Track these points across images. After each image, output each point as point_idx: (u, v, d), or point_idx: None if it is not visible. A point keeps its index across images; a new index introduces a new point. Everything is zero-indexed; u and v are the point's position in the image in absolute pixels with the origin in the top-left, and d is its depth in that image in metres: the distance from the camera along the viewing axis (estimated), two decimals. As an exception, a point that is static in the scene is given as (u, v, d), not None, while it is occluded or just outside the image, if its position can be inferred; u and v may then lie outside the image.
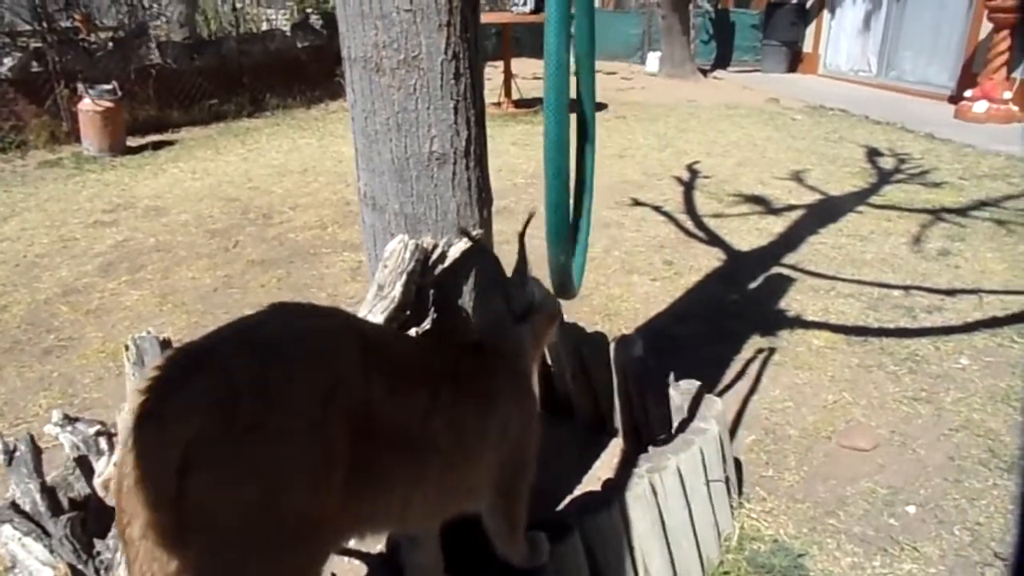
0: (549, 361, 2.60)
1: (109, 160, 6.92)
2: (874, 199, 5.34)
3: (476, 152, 1.59)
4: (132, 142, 7.44)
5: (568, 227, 1.49)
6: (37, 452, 1.32)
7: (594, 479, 2.32)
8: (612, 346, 2.42)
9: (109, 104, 7.11)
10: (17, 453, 1.29)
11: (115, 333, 3.46)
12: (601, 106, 9.24)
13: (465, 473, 1.28)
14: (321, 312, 1.12)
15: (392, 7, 1.43)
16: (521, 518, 1.47)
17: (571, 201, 1.63)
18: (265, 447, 0.89)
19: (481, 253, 1.45)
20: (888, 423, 2.68)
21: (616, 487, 1.78)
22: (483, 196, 1.65)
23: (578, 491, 2.25)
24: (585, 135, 1.81)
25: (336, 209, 5.22)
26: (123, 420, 0.86)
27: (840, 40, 11.78)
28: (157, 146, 7.49)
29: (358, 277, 3.99)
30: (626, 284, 3.89)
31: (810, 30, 12.29)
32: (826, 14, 12.00)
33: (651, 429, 2.28)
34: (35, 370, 3.16)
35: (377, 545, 1.96)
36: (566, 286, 1.66)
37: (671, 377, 2.24)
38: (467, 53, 1.51)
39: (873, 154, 6.70)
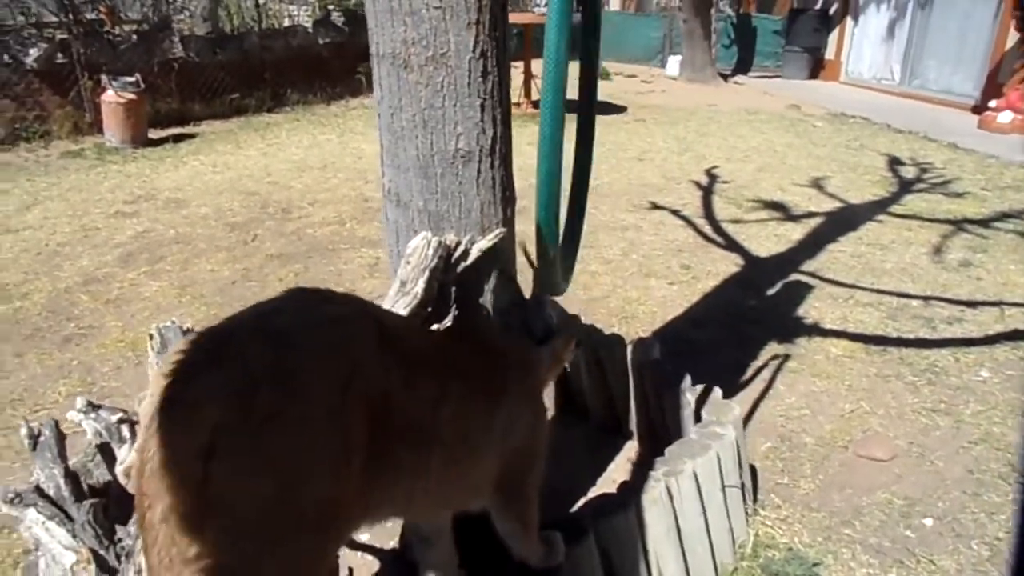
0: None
1: (131, 152, 6.98)
2: (895, 208, 5.30)
3: (501, 151, 1.59)
4: (153, 134, 7.51)
5: (556, 225, 1.49)
6: (61, 438, 1.33)
7: (608, 481, 2.31)
8: (629, 349, 2.41)
9: (132, 96, 7.17)
10: (42, 438, 1.31)
11: (134, 323, 3.48)
12: (620, 109, 9.23)
13: (468, 468, 1.28)
14: (339, 299, 1.12)
15: (422, 4, 1.43)
16: (533, 519, 1.47)
17: (566, 200, 1.63)
18: (283, 437, 0.89)
19: (503, 280, 1.46)
20: (906, 434, 2.65)
21: (632, 490, 1.77)
22: (507, 195, 1.65)
23: (592, 493, 2.24)
24: (586, 135, 1.81)
25: (355, 205, 5.24)
26: (146, 405, 0.86)
27: (863, 47, 11.70)
28: (178, 139, 7.55)
29: (376, 273, 4.01)
30: (643, 287, 3.87)
31: (833, 37, 12.22)
32: (849, 21, 11.92)
33: (667, 432, 2.27)
34: (55, 358, 3.19)
35: (390, 541, 1.96)
36: (553, 282, 1.66)
37: (688, 381, 2.24)
38: (495, 51, 1.51)
39: (894, 163, 6.65)
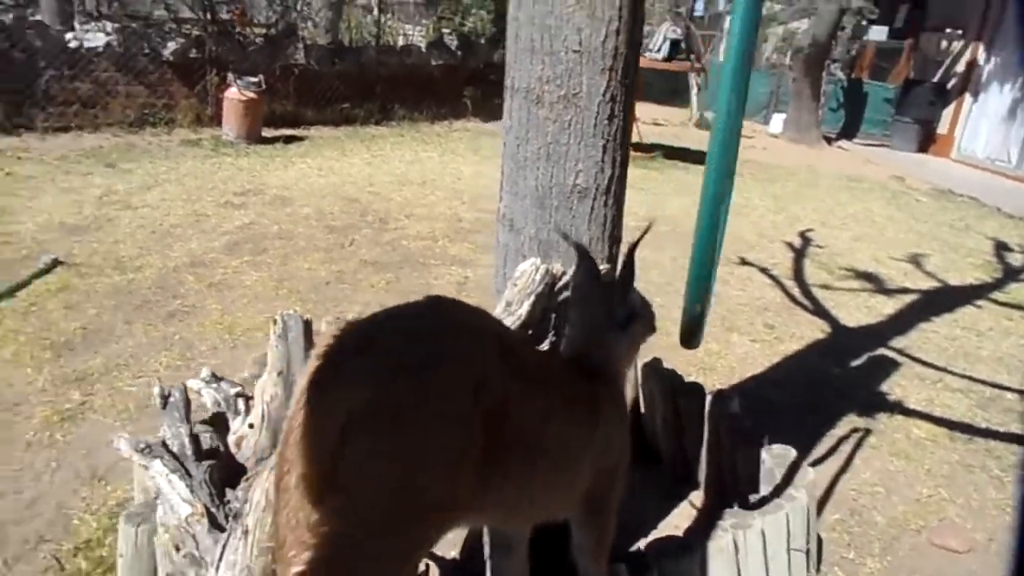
0: (641, 405, 2.62)
1: (244, 147, 7.37)
2: (997, 295, 5.11)
3: (616, 191, 1.66)
4: (267, 133, 7.91)
5: (710, 279, 1.53)
6: (187, 402, 1.45)
7: (670, 526, 2.32)
8: (708, 399, 2.42)
9: (252, 95, 7.60)
10: (171, 399, 1.43)
11: (233, 308, 3.68)
12: (719, 160, 9.19)
13: (567, 481, 1.33)
14: (470, 310, 1.20)
15: (562, 46, 1.52)
16: (609, 536, 1.51)
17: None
18: (412, 433, 0.97)
19: (582, 259, 1.50)
20: (986, 529, 2.56)
21: (699, 536, 1.79)
22: (614, 233, 1.72)
23: (653, 536, 2.25)
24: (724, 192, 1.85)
25: (449, 224, 5.40)
26: (298, 380, 0.96)
27: (980, 125, 11.32)
28: (288, 140, 7.93)
29: (464, 292, 4.12)
30: (724, 341, 3.86)
31: (948, 111, 11.87)
32: (968, 97, 11.57)
33: (737, 487, 2.27)
34: (159, 330, 3.41)
35: (451, 551, 2.02)
36: (695, 335, 1.69)
37: (765, 440, 2.23)
38: (623, 96, 1.59)
39: (1001, 248, 6.40)
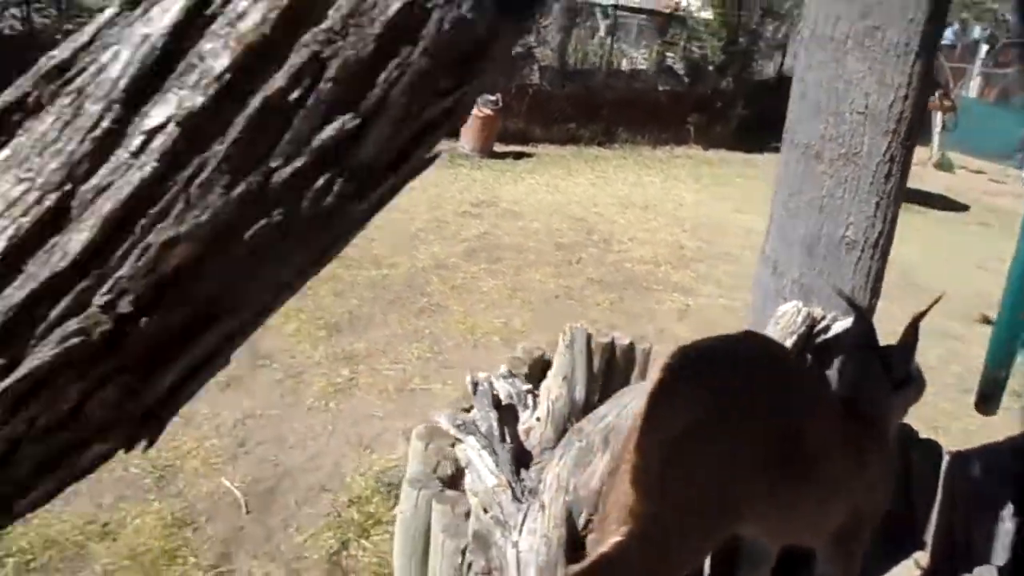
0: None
1: (478, 160, 7.91)
2: None
3: (883, 245, 1.74)
4: (498, 148, 8.41)
5: (1016, 343, 1.56)
6: (492, 390, 1.73)
7: (891, 582, 2.30)
8: (945, 459, 2.37)
9: (489, 112, 8.14)
10: (481, 387, 1.72)
11: (473, 311, 4.06)
12: (962, 207, 8.54)
13: (828, 513, 1.44)
14: (778, 347, 1.36)
15: (847, 108, 1.63)
16: (853, 573, 1.59)
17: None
18: (730, 450, 1.15)
19: (859, 319, 1.57)
20: None
21: (933, 594, 1.79)
22: (876, 285, 1.79)
23: (873, 588, 2.24)
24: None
25: (671, 251, 5.52)
26: (644, 385, 1.18)
27: None
28: (518, 156, 8.40)
29: (684, 319, 4.23)
30: (960, 402, 3.65)
31: None
32: None
33: (968, 555, 2.21)
34: (411, 323, 3.84)
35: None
36: (995, 400, 1.70)
37: (1010, 508, 2.16)
38: (902, 157, 1.66)
39: None
